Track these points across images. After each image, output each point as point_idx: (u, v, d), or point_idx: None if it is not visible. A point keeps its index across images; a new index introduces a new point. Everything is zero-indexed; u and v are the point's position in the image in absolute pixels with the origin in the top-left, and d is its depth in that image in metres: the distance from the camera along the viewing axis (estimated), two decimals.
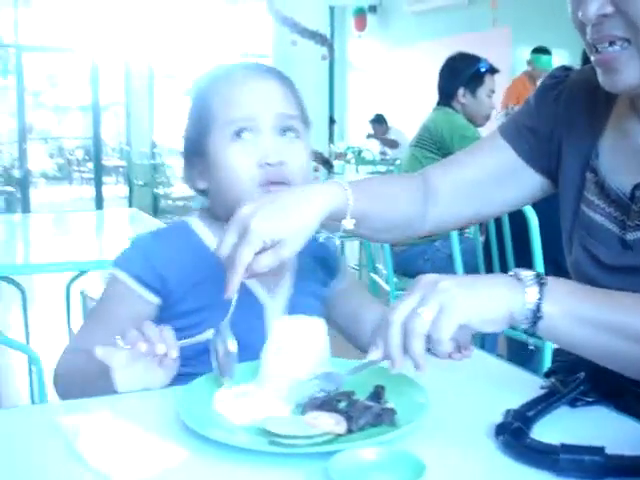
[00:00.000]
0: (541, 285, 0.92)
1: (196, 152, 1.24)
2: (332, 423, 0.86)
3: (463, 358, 1.13)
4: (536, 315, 0.91)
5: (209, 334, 1.11)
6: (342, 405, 0.91)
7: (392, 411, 0.90)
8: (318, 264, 1.33)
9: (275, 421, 0.86)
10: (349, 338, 1.36)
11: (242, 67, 1.28)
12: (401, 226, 1.25)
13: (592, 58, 1.07)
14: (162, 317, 1.19)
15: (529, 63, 6.59)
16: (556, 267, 1.63)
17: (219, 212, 1.24)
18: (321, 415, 0.87)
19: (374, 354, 0.92)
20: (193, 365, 1.09)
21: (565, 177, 1.21)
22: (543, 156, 1.25)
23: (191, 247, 1.23)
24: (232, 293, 0.99)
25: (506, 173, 1.27)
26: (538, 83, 3.93)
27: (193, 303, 1.19)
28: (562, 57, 6.85)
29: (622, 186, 1.12)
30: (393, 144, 9.09)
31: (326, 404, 0.90)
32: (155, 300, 1.20)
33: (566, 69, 1.28)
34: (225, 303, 1.10)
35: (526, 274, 0.93)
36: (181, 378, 1.06)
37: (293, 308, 1.23)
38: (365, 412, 0.88)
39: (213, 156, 1.21)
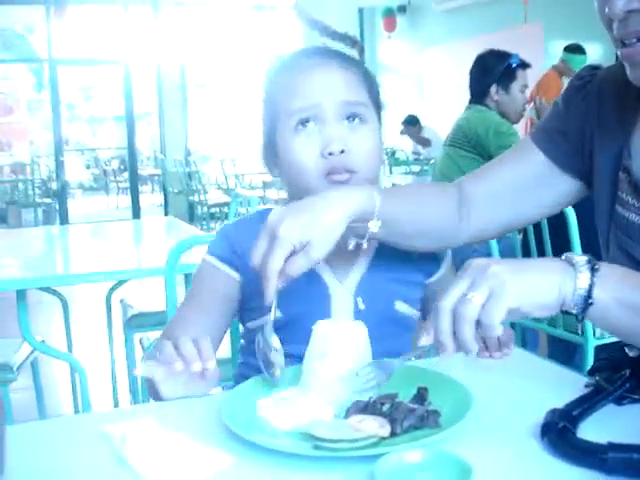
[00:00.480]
0: (593, 271, 0.92)
1: (269, 141, 1.28)
2: (376, 426, 0.85)
3: (503, 357, 1.13)
4: (587, 301, 0.91)
5: (278, 313, 1.16)
6: (385, 408, 0.90)
7: (436, 413, 0.89)
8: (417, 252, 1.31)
9: (319, 425, 0.86)
10: None
11: (305, 55, 1.27)
12: (433, 234, 1.24)
13: (619, 53, 1.06)
14: (244, 293, 1.27)
15: (562, 61, 6.40)
16: None
17: (292, 200, 1.26)
18: (365, 418, 0.87)
19: (424, 340, 0.93)
20: None
21: (598, 177, 1.20)
22: (575, 158, 1.23)
23: None
24: (270, 300, 1.02)
25: (539, 178, 1.25)
26: (565, 79, 3.84)
27: None
28: (595, 52, 6.75)
29: None
30: (426, 142, 9.04)
31: (369, 407, 0.90)
32: (236, 275, 1.26)
33: (593, 68, 1.26)
34: (293, 290, 1.13)
35: (579, 259, 0.93)
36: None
37: (363, 293, 1.25)
38: (409, 414, 0.88)
39: (281, 146, 1.23)
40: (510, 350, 1.14)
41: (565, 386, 1.04)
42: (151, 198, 13.17)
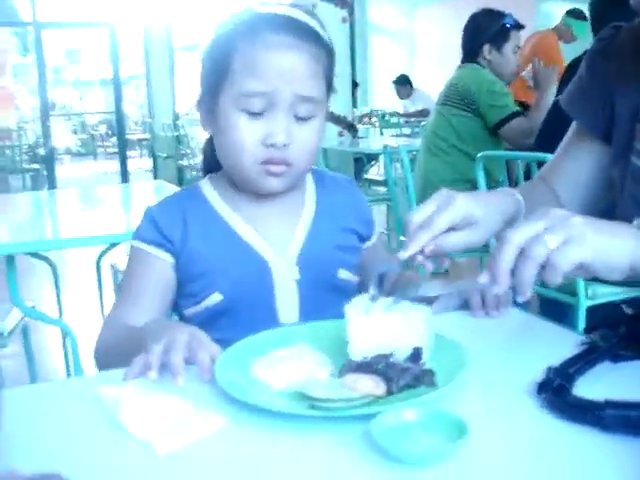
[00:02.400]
0: None
1: (209, 97, 1.20)
2: (371, 385, 0.85)
3: (499, 316, 1.14)
4: None
5: (216, 298, 1.18)
6: (380, 367, 0.89)
7: (431, 372, 0.89)
8: (353, 216, 1.31)
9: (314, 385, 0.86)
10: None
11: (274, 27, 1.14)
12: None
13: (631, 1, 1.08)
14: (179, 279, 1.23)
15: (564, 25, 6.25)
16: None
17: (223, 166, 1.25)
18: (360, 378, 0.86)
19: (483, 277, 0.90)
20: (207, 331, 1.02)
21: (616, 131, 1.20)
22: (597, 118, 1.25)
23: (199, 211, 1.24)
24: (409, 254, 0.98)
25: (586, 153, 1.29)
26: (560, 40, 3.83)
27: (201, 266, 1.21)
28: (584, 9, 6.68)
29: None
30: (422, 113, 8.90)
31: (364, 367, 0.89)
32: (169, 258, 1.22)
33: (614, 28, 1.27)
34: (232, 268, 1.18)
35: None
36: None
37: (305, 264, 1.23)
38: (404, 373, 0.87)
39: (222, 112, 1.17)
40: (506, 310, 1.15)
41: (561, 344, 1.03)
42: (140, 163, 13.07)
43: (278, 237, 1.24)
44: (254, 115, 1.15)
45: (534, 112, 3.47)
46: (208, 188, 1.28)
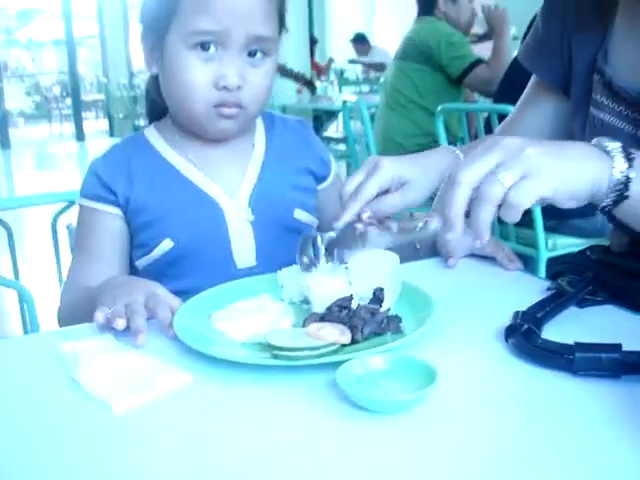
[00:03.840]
0: (629, 160, 0.82)
1: (153, 29, 1.14)
2: (336, 333, 0.82)
3: (515, 269, 1.14)
4: (622, 194, 0.82)
5: (167, 245, 1.15)
6: (344, 315, 0.87)
7: (397, 318, 0.87)
8: (307, 156, 1.28)
9: (277, 335, 0.83)
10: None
11: None
12: None
13: None
14: (129, 230, 1.20)
15: None
16: None
17: (171, 111, 1.22)
18: (324, 326, 0.84)
19: (433, 221, 0.84)
20: (162, 282, 1.01)
21: (574, 83, 1.18)
22: (557, 69, 1.22)
23: (144, 159, 1.21)
24: (343, 222, 0.98)
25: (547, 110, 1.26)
26: None
27: (149, 214, 1.17)
28: None
29: (632, 83, 1.07)
30: (380, 67, 8.83)
31: (327, 315, 0.87)
32: (116, 211, 1.18)
33: None
34: (182, 212, 1.15)
35: (613, 146, 0.83)
36: None
37: (258, 204, 1.20)
38: (369, 321, 0.85)
39: (170, 52, 1.12)
40: (519, 264, 1.16)
41: (527, 290, 1.02)
42: (96, 125, 12.84)
43: (228, 179, 1.21)
44: (205, 55, 1.10)
45: (495, 57, 3.45)
46: (153, 135, 1.24)
